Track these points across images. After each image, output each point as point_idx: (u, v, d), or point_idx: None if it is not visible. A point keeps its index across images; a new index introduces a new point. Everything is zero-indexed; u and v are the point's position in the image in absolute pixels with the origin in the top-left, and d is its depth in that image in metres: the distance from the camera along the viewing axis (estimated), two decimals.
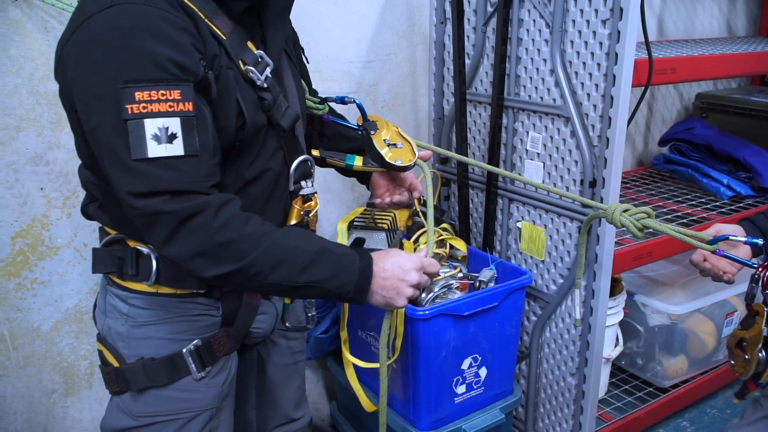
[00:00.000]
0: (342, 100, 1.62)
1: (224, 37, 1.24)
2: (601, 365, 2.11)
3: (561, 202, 2.02)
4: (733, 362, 1.50)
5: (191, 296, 1.36)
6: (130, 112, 1.09)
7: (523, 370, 2.32)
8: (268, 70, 1.31)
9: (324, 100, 1.64)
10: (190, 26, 1.16)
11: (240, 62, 1.27)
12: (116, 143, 1.10)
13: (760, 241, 1.53)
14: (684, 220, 2.45)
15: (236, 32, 1.27)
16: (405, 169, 1.60)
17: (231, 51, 1.24)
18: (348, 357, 2.04)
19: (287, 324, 1.60)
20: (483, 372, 2.02)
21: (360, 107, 1.60)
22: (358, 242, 1.38)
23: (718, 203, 2.64)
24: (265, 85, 1.30)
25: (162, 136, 1.10)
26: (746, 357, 1.46)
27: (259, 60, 1.30)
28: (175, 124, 1.11)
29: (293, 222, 1.44)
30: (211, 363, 1.39)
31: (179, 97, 1.12)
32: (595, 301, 1.98)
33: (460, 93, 2.23)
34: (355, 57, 2.31)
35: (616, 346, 2.50)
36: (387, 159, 1.56)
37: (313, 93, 1.69)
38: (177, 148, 1.11)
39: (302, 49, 1.67)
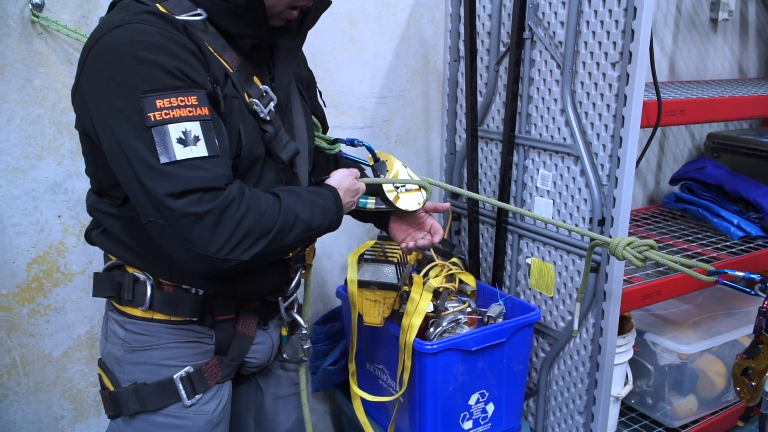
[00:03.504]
0: (351, 143, 1.66)
1: (231, 70, 1.30)
2: (610, 404, 2.09)
3: (570, 239, 2.03)
4: (738, 389, 1.52)
5: (184, 323, 1.40)
6: (153, 119, 1.13)
7: (531, 407, 2.32)
8: (272, 105, 1.36)
9: (335, 141, 1.68)
10: (194, 48, 1.21)
11: (245, 94, 1.32)
12: (143, 151, 1.13)
13: (757, 276, 1.54)
14: (694, 260, 2.43)
15: (243, 67, 1.33)
16: (413, 213, 1.64)
17: (237, 83, 1.30)
18: (355, 390, 2.05)
19: (285, 355, 1.63)
20: (490, 408, 2.02)
21: (369, 149, 1.64)
22: (321, 181, 1.45)
23: (728, 243, 2.62)
24: (268, 118, 1.35)
25: (186, 139, 1.14)
26: (753, 384, 1.48)
27: (264, 94, 1.35)
28: (196, 128, 1.16)
29: (290, 255, 1.48)
30: (203, 390, 1.41)
31: (196, 103, 1.17)
32: (603, 339, 1.98)
33: (472, 129, 2.26)
34: (369, 93, 2.35)
35: (625, 384, 2.48)
36: (396, 204, 1.61)
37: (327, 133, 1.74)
38: (201, 150, 1.16)
39: (320, 92, 1.71)
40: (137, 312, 1.38)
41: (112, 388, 1.40)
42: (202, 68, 1.21)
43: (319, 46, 2.19)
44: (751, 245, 2.60)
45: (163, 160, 1.13)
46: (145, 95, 1.13)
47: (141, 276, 1.36)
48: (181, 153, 1.14)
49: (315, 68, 2.16)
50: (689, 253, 2.52)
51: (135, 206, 1.20)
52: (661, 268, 2.25)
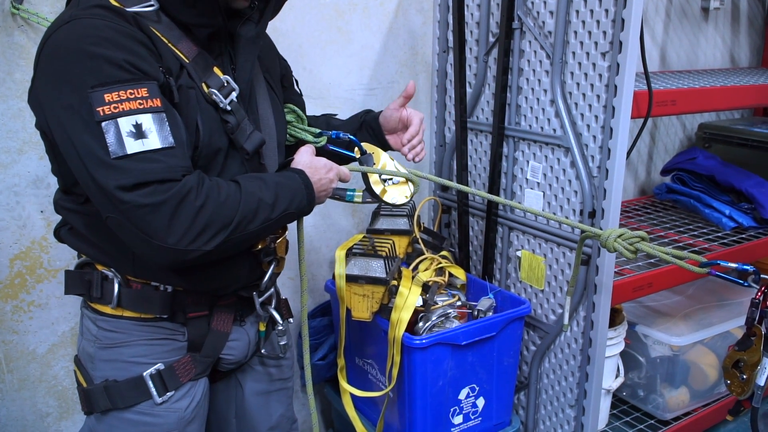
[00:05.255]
0: (338, 136, 1.64)
1: (187, 60, 1.28)
2: (601, 397, 2.08)
3: (560, 231, 2.01)
4: (729, 382, 1.51)
5: (155, 320, 1.39)
6: (102, 114, 1.11)
7: (522, 400, 2.30)
8: (233, 95, 1.34)
9: (320, 134, 1.65)
10: (146, 40, 1.20)
11: (203, 85, 1.30)
12: (93, 146, 1.11)
13: (750, 267, 1.53)
14: (685, 251, 2.42)
15: (202, 57, 1.31)
16: (402, 206, 1.63)
17: (193, 73, 1.28)
18: (344, 386, 2.03)
19: (263, 351, 1.61)
20: (480, 402, 2.01)
21: (355, 142, 1.62)
22: (287, 163, 1.43)
23: (720, 234, 2.62)
24: (229, 108, 1.32)
25: (137, 132, 1.13)
26: (744, 377, 1.47)
27: (225, 84, 1.33)
28: (147, 120, 1.14)
29: (259, 247, 1.46)
30: (175, 387, 1.40)
31: (147, 95, 1.15)
32: (594, 333, 1.97)
33: (462, 121, 2.24)
34: (357, 84, 2.33)
35: (617, 377, 2.47)
36: (383, 198, 1.61)
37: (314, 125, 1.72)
38: (154, 142, 1.14)
39: (296, 80, 1.68)
40: (107, 309, 1.37)
41: (85, 385, 1.40)
42: (154, 59, 1.20)
43: (306, 37, 2.16)
44: (743, 236, 2.59)
45: (115, 154, 1.11)
46: (93, 90, 1.11)
47: (109, 273, 1.36)
48: (133, 146, 1.12)
49: (301, 60, 2.15)
50: (681, 244, 2.51)
51: (93, 203, 1.19)
52: (652, 260, 2.24)
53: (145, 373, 1.37)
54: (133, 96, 1.13)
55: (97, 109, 1.11)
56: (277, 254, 1.52)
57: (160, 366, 1.39)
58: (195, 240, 1.16)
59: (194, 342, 1.43)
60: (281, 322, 1.56)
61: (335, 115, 1.84)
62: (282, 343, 1.59)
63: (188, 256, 1.17)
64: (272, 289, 1.55)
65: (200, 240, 1.17)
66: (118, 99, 1.12)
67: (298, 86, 1.72)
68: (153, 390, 1.37)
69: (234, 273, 1.43)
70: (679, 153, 3.05)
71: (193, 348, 1.44)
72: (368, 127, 1.74)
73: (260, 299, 1.52)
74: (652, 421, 2.62)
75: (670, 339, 2.52)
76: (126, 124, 1.12)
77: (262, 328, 1.58)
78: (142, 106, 1.14)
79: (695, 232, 2.64)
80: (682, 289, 2.84)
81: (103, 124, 1.11)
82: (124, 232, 1.16)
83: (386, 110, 1.73)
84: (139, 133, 1.13)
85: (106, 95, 1.12)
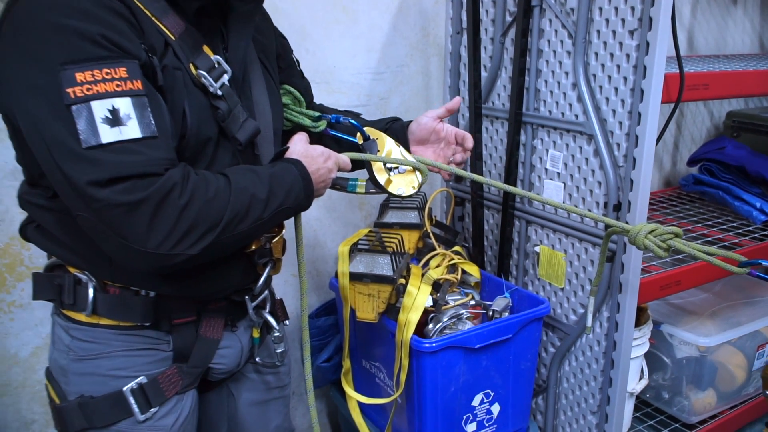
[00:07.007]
0: (337, 120, 1.50)
1: (173, 37, 1.13)
2: (625, 401, 1.95)
3: (583, 225, 1.87)
4: None
5: (135, 329, 1.24)
6: (73, 96, 0.97)
7: (540, 404, 2.16)
8: (225, 78, 1.19)
9: (319, 118, 1.52)
10: (125, 12, 1.05)
11: (191, 65, 1.15)
12: (62, 134, 0.97)
13: None
14: (715, 246, 2.28)
15: (189, 34, 1.16)
16: (412, 198, 1.49)
17: (179, 52, 1.13)
18: (350, 393, 1.90)
19: (258, 359, 1.47)
20: (495, 409, 1.87)
21: (357, 127, 1.48)
22: (281, 153, 1.28)
23: (750, 228, 2.47)
24: (220, 93, 1.18)
25: (114, 118, 0.98)
26: None
27: (216, 66, 1.18)
28: (125, 105, 1.00)
29: (253, 248, 1.32)
30: (159, 403, 1.26)
31: (126, 75, 1.00)
32: (619, 335, 1.83)
33: (476, 107, 2.10)
34: (364, 68, 2.19)
35: (640, 379, 2.34)
36: (388, 188, 1.47)
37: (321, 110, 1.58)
38: (133, 130, 1.00)
39: (297, 61, 1.55)
40: (81, 317, 1.23)
41: (57, 401, 1.25)
42: (135, 35, 1.05)
43: (308, 17, 2.02)
44: None
45: (87, 143, 0.97)
46: (63, 68, 0.97)
47: (82, 277, 1.21)
48: (108, 135, 0.98)
49: (303, 41, 2.02)
50: (710, 239, 2.36)
51: (62, 199, 1.04)
52: (679, 255, 2.09)
53: (125, 388, 1.23)
54: (109, 76, 0.99)
55: (67, 90, 0.97)
56: (274, 255, 1.38)
57: (142, 379, 1.24)
58: (179, 243, 1.03)
59: (180, 351, 1.29)
60: (277, 327, 1.43)
61: (359, 114, 1.69)
62: (279, 350, 1.46)
63: (171, 261, 1.04)
64: (266, 292, 1.42)
65: (185, 243, 1.03)
66: (92, 79, 0.98)
67: (299, 65, 1.58)
68: (134, 406, 1.23)
69: (225, 277, 1.29)
70: (707, 142, 2.90)
71: (180, 358, 1.29)
72: (393, 135, 1.59)
73: (253, 303, 1.38)
74: (677, 425, 2.49)
75: (697, 339, 2.38)
76: (100, 108, 0.98)
77: (256, 334, 1.44)
78: (119, 89, 1.00)
79: (724, 226, 2.50)
80: (708, 285, 2.70)
81: (74, 108, 0.97)
82: (96, 234, 1.03)
83: (421, 117, 1.60)
84: (115, 119, 0.98)
85: (77, 74, 0.97)
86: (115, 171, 0.97)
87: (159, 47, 1.10)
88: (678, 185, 3.01)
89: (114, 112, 0.98)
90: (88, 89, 0.97)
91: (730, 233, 2.42)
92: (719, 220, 2.56)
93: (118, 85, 0.99)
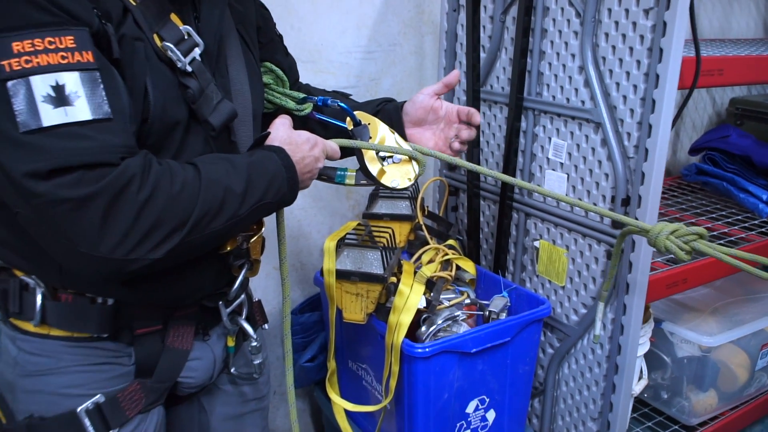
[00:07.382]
0: (324, 102, 1.36)
1: (133, 3, 0.97)
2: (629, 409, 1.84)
3: (587, 220, 1.74)
4: None
5: (91, 340, 1.09)
6: (8, 69, 0.82)
7: (536, 408, 2.05)
8: (196, 52, 1.04)
9: (304, 100, 1.37)
10: None
11: (155, 36, 1.00)
12: None
13: None
14: (720, 241, 2.17)
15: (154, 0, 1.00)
16: (404, 189, 1.35)
17: (141, 20, 0.97)
18: (335, 400, 1.78)
19: (233, 370, 1.34)
20: (491, 415, 1.75)
21: (347, 111, 1.34)
22: (261, 140, 1.14)
23: (756, 221, 2.37)
24: (189, 69, 1.03)
25: (58, 96, 0.84)
26: None
27: (186, 37, 1.04)
28: (73, 80, 0.85)
29: (228, 249, 1.17)
30: (119, 424, 1.12)
31: (74, 45, 0.86)
32: (624, 338, 1.71)
33: (474, 91, 1.96)
34: (354, 46, 2.05)
35: (640, 379, 2.23)
36: (380, 180, 1.33)
37: (305, 90, 1.43)
38: (82, 111, 0.85)
39: (280, 36, 1.40)
40: (29, 327, 1.08)
41: (4, 421, 1.11)
42: None
43: None
44: None
45: (26, 127, 0.82)
46: None
47: (29, 281, 1.06)
48: (51, 116, 0.83)
49: (288, 17, 1.86)
50: (715, 233, 2.25)
51: None
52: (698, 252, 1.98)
53: (79, 409, 1.09)
54: (53, 46, 0.85)
55: (2, 63, 0.82)
56: (251, 256, 1.23)
57: (99, 398, 1.10)
58: (138, 246, 0.89)
59: (144, 365, 1.15)
60: (255, 336, 1.29)
61: (349, 96, 1.54)
62: (257, 362, 1.32)
63: (129, 268, 0.90)
64: (243, 296, 1.27)
65: (145, 246, 0.89)
66: (32, 50, 0.83)
67: (283, 42, 1.43)
68: (90, 429, 1.09)
69: (195, 281, 1.15)
70: (710, 130, 2.78)
71: (143, 372, 1.15)
72: (386, 117, 1.44)
73: (228, 309, 1.24)
74: (677, 427, 2.40)
75: (700, 339, 2.28)
76: (42, 84, 0.83)
77: (231, 343, 1.30)
78: (65, 61, 0.85)
79: (729, 219, 2.39)
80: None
81: (10, 84, 0.83)
82: (39, 235, 0.89)
83: (417, 95, 1.46)
84: (60, 98, 0.84)
85: (14, 44, 0.83)
86: (59, 160, 0.83)
87: (116, 13, 0.95)
88: (679, 174, 2.90)
89: (58, 89, 0.84)
90: (26, 62, 0.83)
91: (736, 227, 2.31)
92: (723, 213, 2.46)
93: (63, 57, 0.85)
